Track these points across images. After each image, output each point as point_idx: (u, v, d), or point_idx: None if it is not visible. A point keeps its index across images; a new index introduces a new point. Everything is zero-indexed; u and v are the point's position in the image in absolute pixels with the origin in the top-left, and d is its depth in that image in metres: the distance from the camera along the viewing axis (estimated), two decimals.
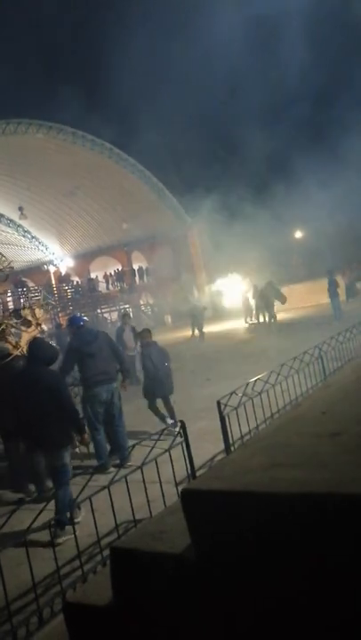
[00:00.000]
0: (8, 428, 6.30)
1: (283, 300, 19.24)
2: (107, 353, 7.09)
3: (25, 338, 7.29)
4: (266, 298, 19.40)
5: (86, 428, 6.58)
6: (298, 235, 38.53)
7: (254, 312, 21.71)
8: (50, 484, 6.06)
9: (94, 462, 7.00)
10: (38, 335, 7.53)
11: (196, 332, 20.54)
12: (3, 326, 7.10)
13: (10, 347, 7.04)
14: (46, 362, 5.53)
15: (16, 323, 7.42)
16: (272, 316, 19.18)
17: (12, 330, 7.34)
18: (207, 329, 20.99)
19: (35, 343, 5.84)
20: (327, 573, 1.45)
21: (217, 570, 1.64)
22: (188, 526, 1.69)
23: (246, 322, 22.34)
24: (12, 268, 8.60)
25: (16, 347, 7.01)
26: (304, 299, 22.50)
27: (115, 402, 7.06)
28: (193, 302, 24.27)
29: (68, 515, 4.89)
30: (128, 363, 8.05)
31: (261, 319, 20.14)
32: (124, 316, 14.56)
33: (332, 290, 18.88)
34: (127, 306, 33.82)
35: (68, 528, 4.88)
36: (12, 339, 7.17)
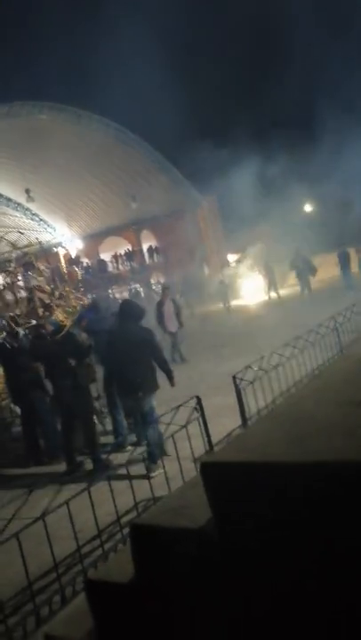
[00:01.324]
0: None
1: (314, 272, 19.22)
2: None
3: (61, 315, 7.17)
4: (297, 267, 19.44)
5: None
6: (308, 208, 38.13)
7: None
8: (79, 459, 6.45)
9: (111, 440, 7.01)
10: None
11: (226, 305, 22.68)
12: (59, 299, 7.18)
13: (61, 319, 6.97)
14: (137, 318, 6.24)
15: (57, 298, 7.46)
16: (305, 286, 19.15)
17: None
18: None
19: (126, 303, 6.65)
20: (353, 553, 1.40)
21: (238, 545, 1.59)
22: (209, 500, 1.63)
23: (268, 295, 22.30)
24: (40, 243, 8.68)
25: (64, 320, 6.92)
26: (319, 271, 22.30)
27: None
28: (221, 279, 25.11)
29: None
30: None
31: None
32: (165, 289, 13.79)
33: (343, 261, 18.87)
34: (138, 285, 33.77)
35: (159, 464, 5.45)
36: (59, 313, 7.10)
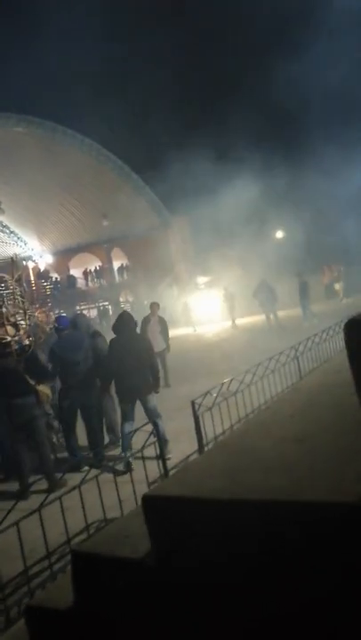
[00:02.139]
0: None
1: (276, 302, 19.23)
2: (91, 359, 7.14)
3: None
4: (262, 295, 19.46)
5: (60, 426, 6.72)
6: (279, 235, 38.70)
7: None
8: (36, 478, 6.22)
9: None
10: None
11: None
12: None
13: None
14: (135, 327, 7.07)
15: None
16: (271, 314, 19.21)
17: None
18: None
19: (125, 314, 7.25)
20: (291, 580, 1.45)
21: (176, 576, 1.63)
22: (149, 532, 1.67)
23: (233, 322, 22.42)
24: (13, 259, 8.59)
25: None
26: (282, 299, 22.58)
27: (94, 402, 7.10)
28: (184, 301, 25.62)
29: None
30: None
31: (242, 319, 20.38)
32: (153, 305, 12.26)
33: (302, 292, 18.70)
34: (107, 303, 33.72)
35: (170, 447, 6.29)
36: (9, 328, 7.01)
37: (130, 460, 5.54)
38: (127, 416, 6.86)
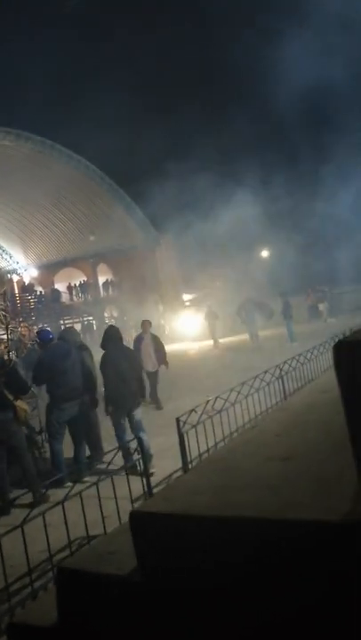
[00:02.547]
0: None
1: (271, 314, 19.21)
2: (78, 370, 7.17)
3: None
4: (245, 313, 19.44)
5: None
6: (264, 254, 38.94)
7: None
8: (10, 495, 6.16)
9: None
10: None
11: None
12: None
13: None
14: (121, 340, 7.35)
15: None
16: (253, 333, 19.21)
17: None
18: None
19: (114, 328, 7.62)
20: (275, 597, 1.46)
21: (163, 593, 1.63)
22: (136, 549, 1.68)
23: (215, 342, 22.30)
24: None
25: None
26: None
27: (81, 415, 7.12)
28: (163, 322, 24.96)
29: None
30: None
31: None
32: (144, 323, 11.37)
33: (286, 312, 18.86)
34: (91, 317, 33.63)
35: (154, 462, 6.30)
36: None
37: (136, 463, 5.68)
38: (122, 425, 7.05)
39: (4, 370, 6.39)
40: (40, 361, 7.19)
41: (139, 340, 11.01)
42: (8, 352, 6.86)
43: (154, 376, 10.77)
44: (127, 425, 7.17)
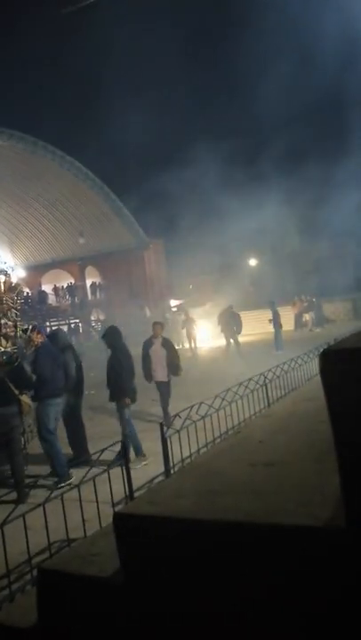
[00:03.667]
0: None
1: (240, 328, 19.38)
2: (72, 366, 7.59)
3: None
4: (224, 322, 19.52)
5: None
6: (252, 262, 39.13)
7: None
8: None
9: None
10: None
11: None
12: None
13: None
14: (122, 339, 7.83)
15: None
16: (231, 340, 19.25)
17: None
18: None
19: (115, 327, 8.08)
20: (255, 600, 1.48)
21: (146, 595, 1.64)
22: (119, 551, 1.68)
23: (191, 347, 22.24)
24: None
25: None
26: (253, 326, 22.78)
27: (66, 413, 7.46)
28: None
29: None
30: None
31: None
32: (156, 325, 9.94)
33: (275, 321, 19.05)
34: (77, 320, 33.52)
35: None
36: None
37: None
38: (130, 419, 7.55)
39: (11, 366, 6.51)
40: (41, 355, 7.26)
41: (148, 344, 9.68)
42: (16, 348, 6.97)
43: (165, 387, 9.53)
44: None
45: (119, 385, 7.44)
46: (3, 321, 7.46)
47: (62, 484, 6.18)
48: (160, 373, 9.43)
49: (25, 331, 7.60)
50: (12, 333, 7.31)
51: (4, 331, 7.27)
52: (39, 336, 7.48)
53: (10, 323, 7.52)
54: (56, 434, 7.10)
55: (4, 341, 6.96)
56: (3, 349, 6.85)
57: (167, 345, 9.66)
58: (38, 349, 7.38)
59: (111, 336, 7.81)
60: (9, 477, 6.79)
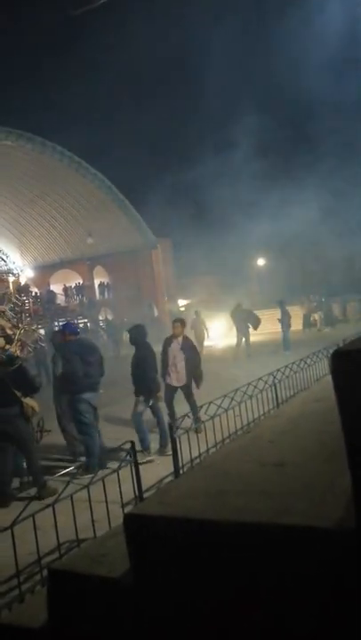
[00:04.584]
0: None
1: (257, 323, 19.08)
2: (99, 363, 7.73)
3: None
4: (237, 321, 19.30)
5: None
6: (260, 262, 39.08)
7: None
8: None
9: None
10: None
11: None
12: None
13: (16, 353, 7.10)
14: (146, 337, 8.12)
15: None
16: (242, 339, 19.07)
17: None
18: None
19: (139, 327, 8.27)
20: (265, 602, 1.47)
21: (156, 596, 1.63)
22: (129, 550, 1.68)
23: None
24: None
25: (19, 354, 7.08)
26: (261, 326, 22.74)
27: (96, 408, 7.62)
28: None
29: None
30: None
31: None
32: (175, 324, 8.92)
33: (284, 320, 18.85)
34: (85, 320, 33.60)
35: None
36: (15, 348, 7.20)
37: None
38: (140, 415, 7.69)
39: (11, 367, 6.53)
40: (71, 351, 7.54)
41: (167, 343, 8.74)
42: (21, 350, 7.00)
43: (187, 392, 8.44)
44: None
45: (145, 381, 7.68)
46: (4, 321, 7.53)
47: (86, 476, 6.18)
48: (173, 377, 8.47)
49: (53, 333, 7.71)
50: (12, 334, 7.35)
51: (8, 332, 7.33)
52: (69, 334, 7.80)
53: (9, 324, 7.57)
54: (95, 427, 7.39)
55: (1, 341, 6.98)
56: (6, 349, 6.88)
57: (188, 345, 8.67)
58: (69, 346, 7.66)
59: (136, 333, 8.09)
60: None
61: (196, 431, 6.18)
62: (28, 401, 6.55)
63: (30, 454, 6.60)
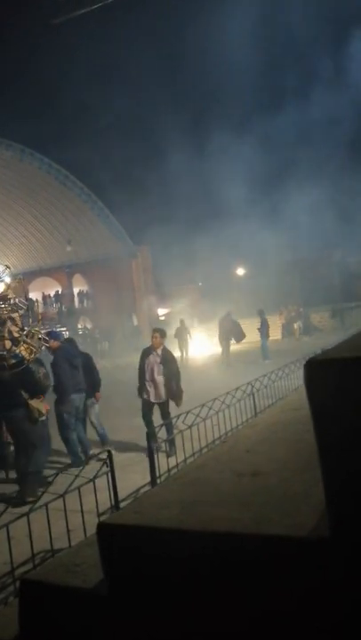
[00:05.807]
0: None
1: (240, 337, 19.21)
2: (83, 368, 8.09)
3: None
4: (224, 330, 19.35)
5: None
6: (240, 272, 39.22)
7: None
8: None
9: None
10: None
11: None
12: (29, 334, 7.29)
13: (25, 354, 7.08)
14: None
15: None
16: (225, 349, 19.15)
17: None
18: None
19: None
20: (242, 612, 1.46)
21: (129, 606, 1.62)
22: (102, 561, 1.66)
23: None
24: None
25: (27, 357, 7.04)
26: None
27: (81, 409, 7.93)
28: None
29: None
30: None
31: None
32: (154, 334, 8.32)
33: (263, 330, 18.99)
34: (64, 328, 33.38)
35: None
36: (23, 350, 7.16)
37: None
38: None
39: (17, 368, 6.55)
40: (59, 357, 7.81)
41: (144, 354, 8.20)
42: (31, 353, 7.00)
43: (163, 410, 7.96)
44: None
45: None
46: (8, 324, 7.49)
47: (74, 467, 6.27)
48: (152, 393, 7.95)
49: (44, 338, 7.85)
50: (19, 336, 7.32)
51: (15, 335, 7.31)
52: (54, 341, 8.00)
53: (15, 328, 7.53)
54: (71, 427, 7.58)
55: (8, 344, 6.97)
56: (5, 352, 6.87)
57: (167, 358, 8.08)
58: (56, 352, 7.85)
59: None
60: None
61: (168, 455, 6.02)
62: (33, 403, 6.58)
63: (31, 457, 6.62)
